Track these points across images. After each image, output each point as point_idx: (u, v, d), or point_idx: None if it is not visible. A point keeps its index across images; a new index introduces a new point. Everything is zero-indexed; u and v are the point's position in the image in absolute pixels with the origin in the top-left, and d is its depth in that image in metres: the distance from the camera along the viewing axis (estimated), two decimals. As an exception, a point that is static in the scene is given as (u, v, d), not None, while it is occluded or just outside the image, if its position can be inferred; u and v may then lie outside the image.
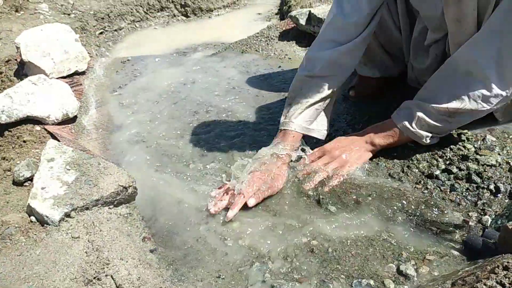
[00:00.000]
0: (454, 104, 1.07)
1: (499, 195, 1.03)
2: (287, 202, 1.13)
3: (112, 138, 1.56)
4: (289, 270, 0.93)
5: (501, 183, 1.05)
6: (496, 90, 1.02)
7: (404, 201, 1.07)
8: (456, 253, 0.93)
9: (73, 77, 1.91)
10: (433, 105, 1.10)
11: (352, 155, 1.21)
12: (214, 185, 1.24)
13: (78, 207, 1.03)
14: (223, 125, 1.57)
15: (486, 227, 0.96)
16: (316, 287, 0.88)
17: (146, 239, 1.03)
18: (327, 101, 1.27)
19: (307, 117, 1.25)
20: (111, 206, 1.11)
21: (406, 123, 1.15)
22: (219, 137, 1.50)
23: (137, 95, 1.87)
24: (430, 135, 1.15)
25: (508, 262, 0.74)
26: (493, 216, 0.99)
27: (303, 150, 1.26)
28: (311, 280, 0.89)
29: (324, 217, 1.06)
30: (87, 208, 1.05)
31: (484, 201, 1.03)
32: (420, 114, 1.12)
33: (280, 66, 2.04)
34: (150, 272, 0.90)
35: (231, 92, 1.82)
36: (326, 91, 1.24)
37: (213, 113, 1.66)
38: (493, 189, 1.05)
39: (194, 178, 1.29)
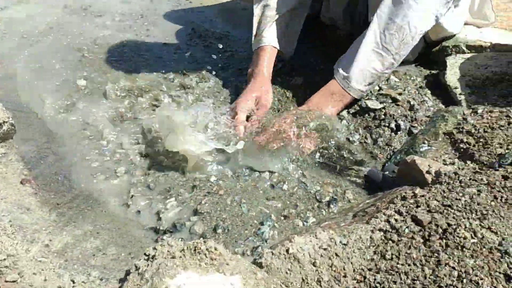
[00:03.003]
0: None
1: (399, 132, 1.06)
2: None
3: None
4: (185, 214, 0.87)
5: (401, 121, 1.08)
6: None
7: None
8: (357, 187, 0.94)
9: None
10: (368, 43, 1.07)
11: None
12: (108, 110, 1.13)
13: None
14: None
15: (386, 162, 0.99)
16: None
17: (25, 182, 0.89)
18: (294, 15, 1.24)
19: (278, 31, 1.22)
20: (-20, 145, 0.93)
21: (351, 81, 1.08)
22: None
23: None
24: (371, 83, 1.11)
25: (405, 193, 0.75)
26: (393, 152, 1.02)
27: None
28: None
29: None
30: None
31: (385, 137, 1.06)
32: (357, 62, 1.07)
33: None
34: (28, 217, 0.77)
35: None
36: (291, 2, 1.22)
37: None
38: (394, 127, 1.07)
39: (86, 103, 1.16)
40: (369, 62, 1.07)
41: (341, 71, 1.10)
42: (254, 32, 1.24)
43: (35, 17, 1.62)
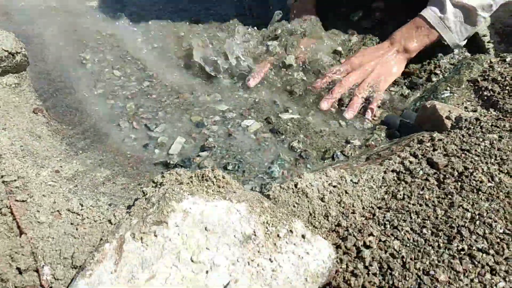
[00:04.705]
0: None
1: (420, 80, 1.02)
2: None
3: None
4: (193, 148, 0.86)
5: (424, 68, 1.03)
6: None
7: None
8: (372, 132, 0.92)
9: None
10: None
11: (386, 67, 1.02)
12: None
13: None
14: None
15: (405, 108, 0.95)
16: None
17: (37, 111, 0.88)
18: None
19: None
20: (-7, 74, 0.93)
21: (439, 13, 0.98)
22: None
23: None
24: (462, 23, 0.98)
25: (423, 137, 0.73)
26: (412, 99, 0.98)
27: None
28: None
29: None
30: (-42, 73, 0.87)
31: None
32: None
33: None
34: (39, 144, 0.78)
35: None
36: None
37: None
38: (415, 75, 1.03)
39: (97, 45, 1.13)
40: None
41: (431, 7, 1.00)
42: None
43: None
